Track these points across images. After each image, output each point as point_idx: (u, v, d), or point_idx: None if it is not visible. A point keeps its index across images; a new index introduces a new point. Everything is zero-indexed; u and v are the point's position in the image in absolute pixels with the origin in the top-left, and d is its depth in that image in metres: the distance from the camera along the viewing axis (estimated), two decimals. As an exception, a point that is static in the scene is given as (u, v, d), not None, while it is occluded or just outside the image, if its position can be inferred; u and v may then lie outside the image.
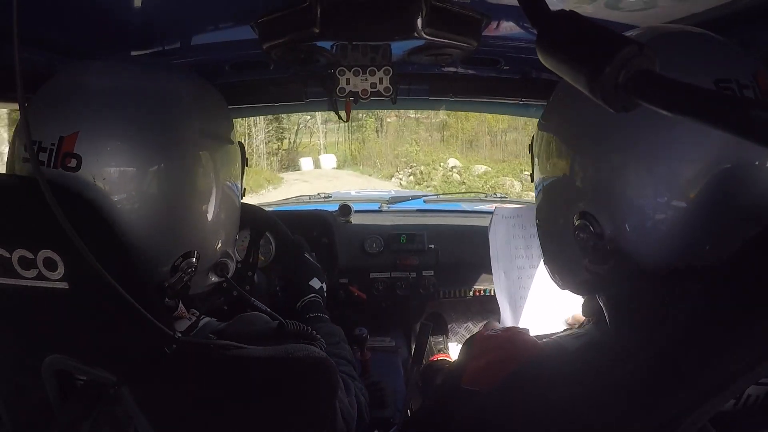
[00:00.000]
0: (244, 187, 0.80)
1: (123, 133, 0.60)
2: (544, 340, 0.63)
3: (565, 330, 0.68)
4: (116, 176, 0.60)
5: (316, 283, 1.19)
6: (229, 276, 0.77)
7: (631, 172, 0.51)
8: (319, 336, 0.87)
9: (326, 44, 0.91)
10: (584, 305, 0.66)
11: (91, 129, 0.59)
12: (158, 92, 0.65)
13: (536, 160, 0.66)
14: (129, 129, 0.61)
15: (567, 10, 0.33)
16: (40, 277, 0.55)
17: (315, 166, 15.18)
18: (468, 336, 1.78)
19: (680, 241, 0.50)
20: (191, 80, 0.71)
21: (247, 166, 0.81)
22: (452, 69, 1.11)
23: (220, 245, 0.75)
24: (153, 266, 0.65)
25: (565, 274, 0.65)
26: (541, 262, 1.13)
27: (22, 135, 0.63)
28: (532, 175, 0.70)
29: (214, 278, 0.76)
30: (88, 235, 0.50)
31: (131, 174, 0.60)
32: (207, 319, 0.77)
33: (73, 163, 0.59)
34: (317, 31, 0.79)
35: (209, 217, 0.70)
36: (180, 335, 0.61)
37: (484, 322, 1.68)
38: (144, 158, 0.61)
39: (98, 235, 0.56)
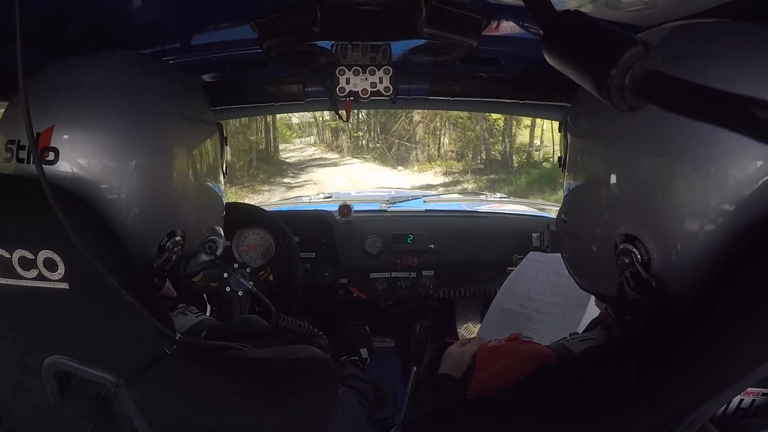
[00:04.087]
0: (226, 165, 0.83)
1: (95, 121, 0.62)
2: (551, 345, 0.63)
3: (571, 336, 0.68)
4: (94, 164, 0.61)
5: (365, 352, 1.22)
6: (218, 253, 0.79)
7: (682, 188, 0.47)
8: (321, 333, 0.88)
9: (326, 44, 0.91)
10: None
11: (64, 122, 0.61)
12: (127, 82, 0.66)
13: (571, 162, 0.62)
14: (102, 118, 0.62)
15: (573, 9, 0.33)
16: (40, 277, 0.54)
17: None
18: (468, 336, 1.79)
19: (716, 270, 0.46)
20: (157, 64, 0.72)
21: (226, 145, 0.84)
22: (452, 69, 1.11)
23: (205, 223, 0.77)
24: (140, 251, 0.66)
25: (587, 279, 0.63)
26: (546, 309, 1.10)
27: (4, 134, 0.65)
28: (562, 161, 0.65)
29: (204, 257, 0.78)
30: (88, 236, 0.50)
31: (109, 160, 0.62)
32: (204, 316, 0.78)
33: (51, 156, 0.60)
34: (317, 30, 0.79)
35: (191, 195, 0.71)
36: (180, 336, 0.60)
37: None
38: (118, 144, 0.62)
39: (99, 235, 0.56)
